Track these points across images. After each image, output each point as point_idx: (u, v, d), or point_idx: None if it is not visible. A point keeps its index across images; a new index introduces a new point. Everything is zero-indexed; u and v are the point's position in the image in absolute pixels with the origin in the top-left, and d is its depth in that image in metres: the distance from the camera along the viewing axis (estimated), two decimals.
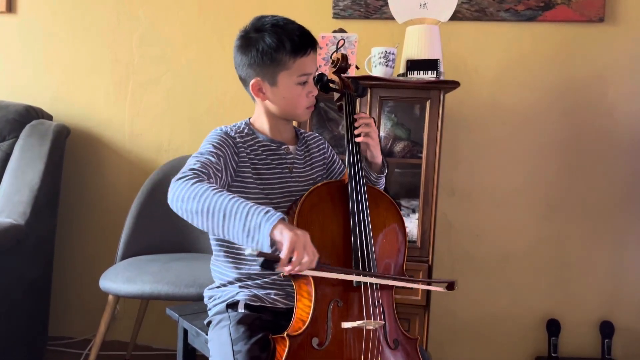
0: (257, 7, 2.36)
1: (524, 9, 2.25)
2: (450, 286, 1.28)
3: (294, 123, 1.51)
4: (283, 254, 1.07)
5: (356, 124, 1.41)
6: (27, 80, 2.62)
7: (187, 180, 1.19)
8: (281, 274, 1.29)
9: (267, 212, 1.10)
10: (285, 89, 1.35)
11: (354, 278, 1.23)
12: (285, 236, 1.07)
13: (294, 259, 1.07)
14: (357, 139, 1.40)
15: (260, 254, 1.06)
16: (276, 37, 1.30)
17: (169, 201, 1.21)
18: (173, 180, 1.21)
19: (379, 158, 1.45)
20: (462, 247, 2.38)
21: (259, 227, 1.09)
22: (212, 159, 1.28)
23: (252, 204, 1.13)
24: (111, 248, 2.39)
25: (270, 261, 1.08)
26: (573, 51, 2.26)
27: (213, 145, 1.32)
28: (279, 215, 1.10)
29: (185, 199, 1.16)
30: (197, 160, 1.26)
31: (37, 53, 2.61)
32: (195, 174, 1.21)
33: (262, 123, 1.44)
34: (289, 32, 1.32)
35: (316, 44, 1.38)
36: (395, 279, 1.29)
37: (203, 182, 1.18)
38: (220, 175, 1.29)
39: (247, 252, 1.07)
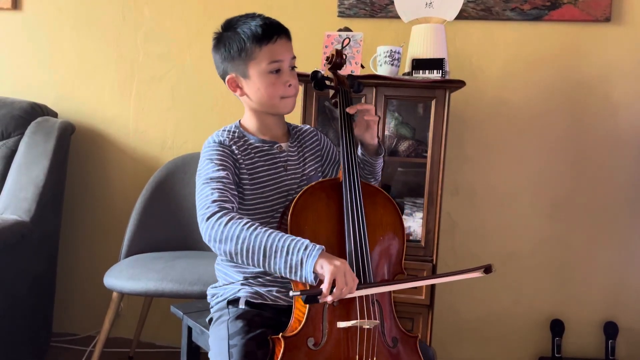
0: (262, 5, 2.35)
1: (530, 8, 2.24)
2: (488, 270, 1.23)
3: (299, 121, 1.51)
4: (325, 287, 1.11)
5: (362, 110, 1.40)
6: (32, 77, 2.62)
7: (218, 220, 1.20)
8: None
9: (306, 247, 1.14)
10: (257, 80, 1.35)
11: (394, 288, 1.25)
12: (325, 269, 1.11)
13: (335, 290, 1.12)
14: (367, 118, 1.40)
15: (302, 292, 1.13)
16: (240, 30, 1.34)
17: (205, 241, 1.22)
18: (202, 218, 1.22)
19: (375, 140, 1.45)
20: (466, 246, 2.38)
21: (301, 265, 1.13)
22: (224, 180, 1.29)
23: (288, 236, 1.17)
24: (115, 245, 2.39)
25: (313, 295, 1.13)
26: (579, 51, 2.25)
27: (216, 163, 1.32)
28: (318, 249, 1.14)
29: (223, 241, 1.18)
30: (213, 189, 1.26)
31: (42, 50, 2.61)
32: (220, 207, 1.23)
33: (251, 123, 1.44)
34: (252, 24, 1.34)
35: (285, 31, 1.38)
36: (431, 278, 1.28)
37: (234, 220, 1.20)
38: (235, 193, 1.30)
39: (291, 294, 1.15)
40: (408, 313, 1.96)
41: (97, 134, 2.60)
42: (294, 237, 1.16)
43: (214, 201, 1.23)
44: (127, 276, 1.95)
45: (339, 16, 2.35)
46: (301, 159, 1.48)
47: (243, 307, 1.34)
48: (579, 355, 2.31)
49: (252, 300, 1.35)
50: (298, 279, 1.15)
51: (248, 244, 1.16)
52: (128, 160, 2.58)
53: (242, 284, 1.37)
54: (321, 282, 1.12)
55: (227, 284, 1.41)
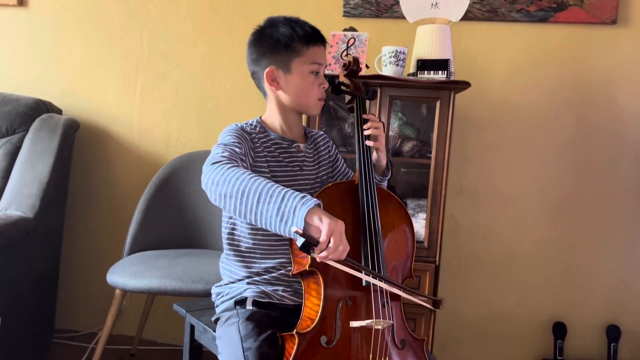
0: (267, 4, 2.36)
1: (536, 9, 2.23)
2: (436, 304, 1.32)
3: (304, 122, 1.51)
4: (322, 238, 1.08)
5: (365, 126, 1.42)
6: (37, 74, 2.63)
7: (222, 164, 1.20)
8: (291, 272, 1.30)
9: (304, 196, 1.11)
10: (298, 77, 1.38)
11: (363, 276, 1.23)
12: (324, 222, 1.08)
13: (330, 245, 1.09)
14: (367, 142, 1.41)
15: (303, 235, 1.08)
16: (290, 27, 1.38)
17: (203, 184, 1.22)
18: (206, 164, 1.23)
19: (383, 161, 1.47)
20: (469, 247, 2.38)
21: (293, 211, 1.10)
22: (237, 149, 1.29)
23: (289, 189, 1.14)
24: (119, 242, 2.39)
25: (308, 243, 1.08)
26: (585, 53, 2.25)
27: (234, 138, 1.33)
28: (315, 200, 1.11)
29: (220, 182, 1.17)
30: (225, 150, 1.27)
31: (47, 47, 2.62)
32: (229, 159, 1.23)
33: (273, 119, 1.45)
34: (301, 23, 1.39)
35: (325, 40, 1.44)
36: (400, 288, 1.29)
37: (238, 167, 1.19)
38: (246, 165, 1.31)
39: (293, 229, 1.08)
40: (411, 314, 1.96)
41: (101, 131, 2.60)
42: (293, 190, 1.14)
43: (224, 156, 1.24)
44: (130, 273, 1.95)
45: (344, 16, 2.35)
46: (316, 162, 1.50)
47: (251, 307, 1.35)
48: (581, 358, 2.31)
49: (259, 299, 1.35)
50: (287, 227, 1.10)
51: (245, 187, 1.14)
52: (132, 158, 2.58)
53: (247, 283, 1.38)
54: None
55: (232, 281, 1.42)
